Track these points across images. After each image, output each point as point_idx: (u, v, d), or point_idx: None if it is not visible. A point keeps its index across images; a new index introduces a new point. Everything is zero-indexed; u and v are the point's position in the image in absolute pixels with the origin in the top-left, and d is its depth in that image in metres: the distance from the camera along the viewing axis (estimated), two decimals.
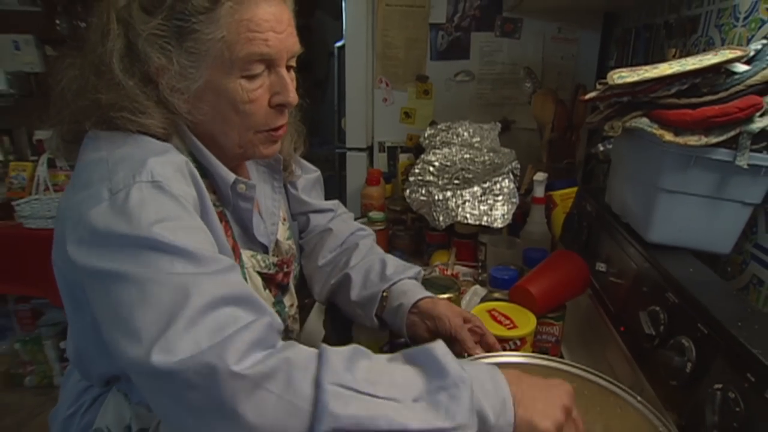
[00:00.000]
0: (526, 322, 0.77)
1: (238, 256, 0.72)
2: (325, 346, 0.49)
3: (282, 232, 0.85)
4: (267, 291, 0.78)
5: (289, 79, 0.66)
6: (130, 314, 0.47)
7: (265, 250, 0.79)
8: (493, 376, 0.52)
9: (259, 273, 0.76)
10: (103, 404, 0.68)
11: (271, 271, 0.78)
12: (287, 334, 0.85)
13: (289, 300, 0.85)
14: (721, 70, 0.66)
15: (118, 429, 0.66)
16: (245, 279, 0.73)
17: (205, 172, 0.68)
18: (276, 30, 0.61)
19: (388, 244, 1.27)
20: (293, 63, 0.68)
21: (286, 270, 0.82)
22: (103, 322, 0.51)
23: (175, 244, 0.49)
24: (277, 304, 0.81)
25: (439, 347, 0.52)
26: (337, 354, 0.48)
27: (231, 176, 0.69)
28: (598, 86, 0.79)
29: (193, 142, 0.66)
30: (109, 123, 0.59)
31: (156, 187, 0.54)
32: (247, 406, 0.43)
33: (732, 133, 0.65)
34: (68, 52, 0.64)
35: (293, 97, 0.66)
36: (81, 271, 0.52)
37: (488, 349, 0.72)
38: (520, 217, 1.17)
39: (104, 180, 0.54)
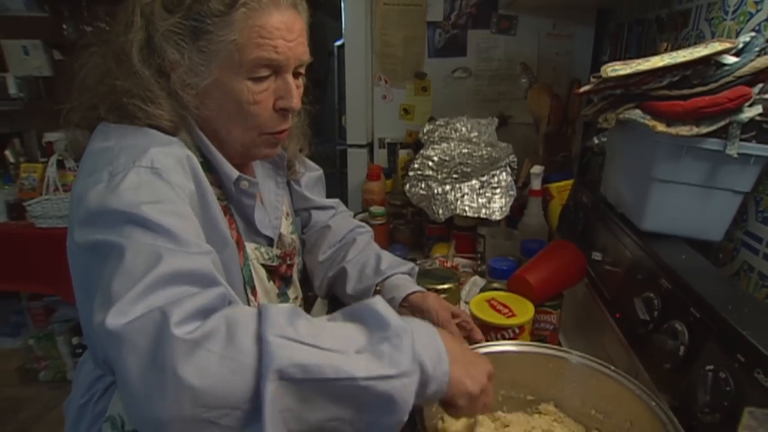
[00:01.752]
0: (524, 311, 0.79)
1: (242, 249, 0.74)
2: (265, 303, 0.49)
3: (285, 227, 0.87)
4: (271, 282, 0.80)
5: (295, 85, 0.68)
6: (107, 282, 0.47)
7: (269, 242, 0.81)
8: (428, 331, 0.53)
9: (263, 265, 0.78)
10: (115, 393, 0.70)
11: (274, 263, 0.80)
12: None
13: (294, 293, 0.87)
14: (711, 62, 0.68)
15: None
16: (250, 271, 0.75)
17: (211, 167, 0.70)
18: (286, 38, 0.63)
19: (389, 237, 1.29)
20: (302, 70, 0.70)
21: (289, 262, 0.84)
22: (89, 294, 0.51)
23: (160, 224, 0.50)
24: (282, 295, 0.83)
25: (379, 302, 0.52)
26: (277, 309, 0.47)
27: (234, 173, 0.71)
28: (593, 80, 0.81)
29: (200, 137, 0.68)
30: (122, 110, 0.62)
31: (154, 172, 0.56)
32: (187, 368, 0.41)
33: (722, 123, 0.67)
34: (93, 41, 0.67)
35: (296, 102, 0.69)
36: (79, 249, 0.54)
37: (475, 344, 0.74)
38: (517, 210, 1.19)
39: (107, 165, 0.56)
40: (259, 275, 0.78)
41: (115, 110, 0.62)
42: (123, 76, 0.62)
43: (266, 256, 0.79)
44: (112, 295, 0.45)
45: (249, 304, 0.74)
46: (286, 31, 0.63)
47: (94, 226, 0.52)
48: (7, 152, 2.29)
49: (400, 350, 0.47)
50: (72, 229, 0.56)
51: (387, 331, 0.48)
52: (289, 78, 0.67)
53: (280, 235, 0.85)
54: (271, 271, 0.80)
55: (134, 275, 0.46)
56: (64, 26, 2.63)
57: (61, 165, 2.12)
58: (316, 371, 0.44)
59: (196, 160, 0.64)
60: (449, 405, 0.55)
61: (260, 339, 0.44)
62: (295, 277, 0.89)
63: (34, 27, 2.66)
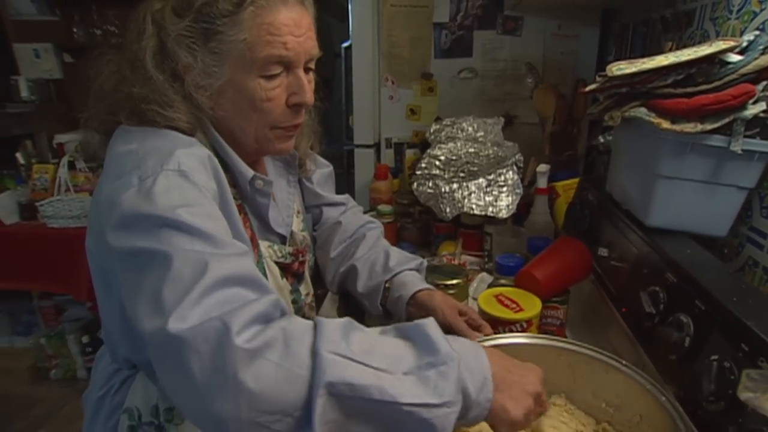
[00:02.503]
0: (531, 306, 0.81)
1: (256, 246, 0.75)
2: (320, 318, 0.51)
3: (296, 224, 0.89)
4: (284, 280, 0.82)
5: (306, 80, 0.70)
6: (155, 290, 0.49)
7: (281, 240, 0.83)
8: (476, 354, 0.54)
9: (276, 263, 0.80)
10: (132, 386, 0.71)
11: (287, 261, 0.82)
12: None
13: (305, 289, 0.89)
14: (715, 60, 0.70)
15: (146, 408, 0.69)
16: (264, 268, 0.77)
17: (226, 166, 0.71)
18: (295, 34, 0.65)
19: (397, 236, 1.30)
20: (312, 65, 0.71)
21: (301, 259, 0.86)
22: (129, 299, 0.53)
23: (196, 226, 0.52)
24: (294, 292, 0.85)
25: (430, 323, 0.53)
26: (333, 324, 0.50)
27: (250, 172, 0.72)
28: (598, 78, 0.82)
29: (215, 137, 0.70)
30: (140, 115, 0.63)
31: (182, 175, 0.57)
32: (247, 374, 0.44)
33: (726, 120, 0.68)
34: (107, 50, 0.69)
35: (309, 97, 0.70)
36: (114, 254, 0.55)
37: None
38: (523, 208, 1.20)
39: (135, 169, 0.57)
40: (273, 273, 0.79)
41: (135, 116, 0.64)
42: (139, 83, 0.63)
43: (279, 254, 0.81)
44: (165, 302, 0.47)
45: None
46: (294, 27, 0.65)
47: (131, 231, 0.53)
48: (18, 154, 2.34)
49: (446, 379, 0.49)
50: (103, 233, 0.57)
51: (435, 357, 0.50)
52: (301, 73, 0.68)
53: (292, 233, 0.87)
54: (284, 269, 0.82)
55: (184, 282, 0.48)
56: (75, 30, 2.67)
57: (72, 166, 2.15)
58: (363, 391, 0.46)
59: (215, 160, 0.66)
60: (492, 427, 0.56)
61: (315, 353, 0.46)
62: (307, 274, 0.90)
63: (45, 30, 2.71)
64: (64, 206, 2.02)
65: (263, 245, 0.78)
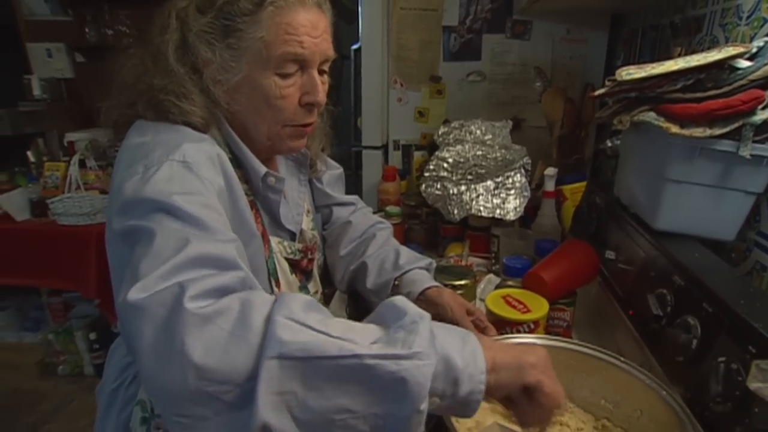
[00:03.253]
0: (539, 307, 0.81)
1: (267, 242, 0.77)
2: (284, 292, 0.49)
3: (306, 223, 0.91)
4: (293, 276, 0.84)
5: (320, 81, 0.71)
6: (136, 264, 0.48)
7: (291, 237, 0.84)
8: (464, 335, 0.50)
9: (286, 258, 0.82)
10: None
11: (296, 257, 0.84)
12: None
13: (314, 287, 0.90)
14: (724, 66, 0.70)
15: None
16: (274, 263, 0.78)
17: (239, 162, 0.73)
18: (311, 35, 0.67)
19: (404, 237, 1.31)
20: (326, 67, 0.73)
21: (310, 256, 0.87)
22: (116, 277, 0.53)
23: (187, 211, 0.52)
24: (303, 289, 0.86)
25: (398, 298, 0.50)
26: (295, 297, 0.47)
27: (263, 169, 0.74)
28: (607, 83, 0.83)
29: (229, 133, 0.72)
30: (157, 107, 0.66)
31: (185, 166, 0.59)
32: (196, 341, 0.41)
33: (735, 125, 0.68)
34: (131, 44, 0.72)
35: (322, 97, 0.72)
36: (116, 236, 0.57)
37: None
38: (531, 211, 1.21)
39: (143, 159, 0.59)
40: (283, 268, 0.81)
41: (152, 107, 0.66)
42: (159, 75, 0.66)
43: (289, 250, 0.82)
44: (139, 274, 0.47)
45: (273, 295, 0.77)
46: (311, 28, 0.67)
47: (129, 214, 0.55)
48: (29, 152, 2.37)
49: (415, 333, 0.45)
50: (110, 219, 0.59)
51: (403, 319, 0.47)
52: (315, 73, 0.70)
53: (302, 231, 0.88)
54: (293, 265, 0.84)
55: (161, 256, 0.48)
56: (87, 30, 2.72)
57: (82, 164, 2.18)
58: (317, 350, 0.42)
59: (225, 157, 0.68)
60: (513, 403, 0.52)
61: (269, 320, 0.43)
62: (316, 272, 0.92)
63: (58, 30, 2.75)
64: (75, 204, 2.05)
65: (274, 241, 0.79)
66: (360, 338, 0.44)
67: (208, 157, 0.63)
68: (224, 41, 0.66)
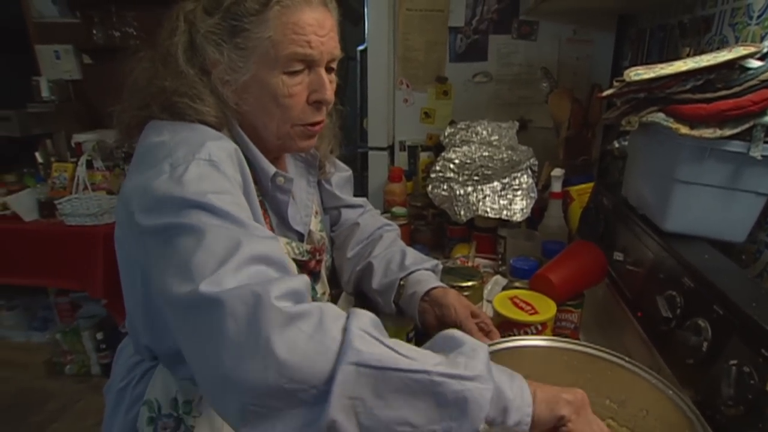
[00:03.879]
0: (546, 309, 0.81)
1: None
2: (354, 309, 0.52)
3: (314, 224, 0.91)
4: None
5: (328, 79, 0.71)
6: (186, 259, 0.50)
7: (299, 238, 0.84)
8: (510, 373, 0.54)
9: (293, 260, 0.82)
10: (152, 378, 0.73)
11: (304, 258, 0.84)
12: None
13: (321, 288, 0.91)
14: (735, 66, 0.70)
15: (166, 400, 0.71)
16: None
17: (249, 163, 0.73)
18: (318, 34, 0.67)
19: (410, 238, 1.31)
20: (334, 65, 0.73)
21: (318, 258, 0.87)
22: (157, 270, 0.54)
23: (226, 210, 0.54)
24: (310, 291, 0.86)
25: (455, 331, 0.55)
26: (366, 314, 0.51)
27: (272, 169, 0.74)
28: (615, 83, 0.82)
29: (239, 134, 0.72)
30: (172, 108, 0.66)
31: (212, 165, 0.59)
32: (280, 339, 0.44)
33: (746, 126, 0.68)
34: (140, 47, 0.72)
35: (330, 95, 0.72)
36: (145, 233, 0.57)
37: None
38: (537, 212, 1.20)
39: (167, 157, 0.60)
40: (291, 269, 0.81)
41: (167, 109, 0.67)
42: (170, 77, 0.67)
43: (297, 251, 0.82)
44: (196, 268, 0.48)
45: None
46: (318, 27, 0.67)
47: (162, 211, 0.55)
48: (37, 153, 2.39)
49: (475, 359, 0.49)
50: (131, 218, 0.58)
51: (463, 347, 0.51)
52: (322, 72, 0.70)
53: (310, 232, 0.88)
54: (301, 266, 0.84)
55: (217, 254, 0.49)
56: (94, 31, 2.74)
57: (89, 165, 2.20)
58: (391, 362, 0.45)
59: (241, 154, 0.68)
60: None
61: (346, 330, 0.47)
62: (323, 273, 0.92)
63: (66, 32, 2.78)
64: (82, 204, 2.07)
65: (282, 242, 0.79)
66: (424, 358, 0.48)
67: (228, 154, 0.64)
68: (231, 42, 0.66)
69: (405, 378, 0.46)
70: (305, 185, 0.90)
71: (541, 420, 0.52)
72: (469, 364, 0.48)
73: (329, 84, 0.72)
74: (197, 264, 0.49)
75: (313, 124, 0.74)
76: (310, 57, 0.68)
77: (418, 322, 0.85)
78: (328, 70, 0.72)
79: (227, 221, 0.54)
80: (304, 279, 0.53)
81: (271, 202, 0.78)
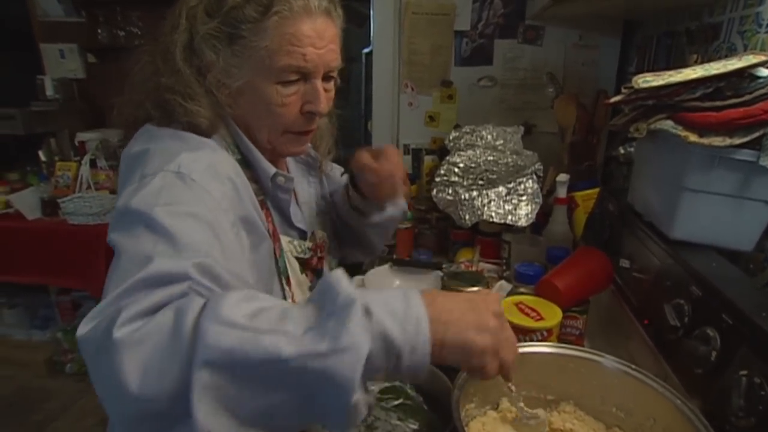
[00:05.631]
0: (552, 315, 0.81)
1: (277, 240, 0.77)
2: (217, 292, 0.48)
3: (316, 224, 0.91)
4: (304, 275, 0.84)
5: (323, 90, 0.71)
6: (106, 285, 0.50)
7: (302, 236, 0.85)
8: (400, 296, 0.47)
9: (296, 258, 0.82)
10: None
11: (306, 256, 0.84)
12: None
13: None
14: (745, 74, 0.70)
15: None
16: (285, 262, 0.78)
17: (248, 163, 0.73)
18: (316, 45, 0.66)
19: (414, 241, 1.31)
20: (333, 74, 0.73)
21: (319, 255, 0.88)
22: None
23: (165, 227, 0.51)
24: (313, 288, 0.86)
25: (334, 273, 0.48)
26: (229, 295, 0.45)
27: (272, 169, 0.74)
28: (624, 90, 0.82)
29: (238, 134, 0.72)
30: (164, 106, 0.66)
31: (178, 177, 0.58)
32: (129, 368, 0.41)
33: (756, 135, 0.68)
34: (146, 42, 0.72)
35: (323, 107, 0.71)
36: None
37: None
38: (542, 217, 1.20)
39: (141, 168, 0.60)
40: (293, 267, 0.81)
41: (159, 107, 0.67)
42: (167, 74, 0.66)
43: (299, 249, 0.83)
44: (102, 297, 0.48)
45: (284, 294, 0.77)
46: (316, 39, 0.66)
47: (116, 225, 0.56)
48: (41, 152, 2.39)
49: (344, 324, 0.43)
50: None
51: (335, 305, 0.45)
52: (318, 83, 0.70)
53: (313, 232, 0.88)
54: (304, 264, 0.84)
55: (120, 277, 0.48)
56: (99, 31, 2.74)
57: (93, 164, 2.20)
58: (242, 355, 0.41)
59: (230, 161, 0.67)
60: (467, 371, 0.52)
61: (196, 326, 0.42)
62: (327, 271, 0.92)
63: (71, 31, 2.78)
64: (85, 203, 2.07)
65: (284, 240, 0.80)
66: (293, 327, 0.43)
67: (208, 165, 0.62)
68: (229, 47, 0.66)
69: (259, 371, 0.42)
70: (306, 186, 0.91)
71: (448, 361, 0.48)
72: (337, 330, 0.43)
73: (324, 95, 0.71)
74: (105, 290, 0.48)
75: (305, 132, 0.74)
76: (305, 69, 0.67)
77: (359, 203, 0.90)
78: (327, 78, 0.72)
79: (161, 239, 0.51)
80: (180, 287, 0.47)
81: (273, 201, 0.78)
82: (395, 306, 0.46)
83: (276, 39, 0.64)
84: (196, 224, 0.55)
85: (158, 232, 0.51)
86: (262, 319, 0.43)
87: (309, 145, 0.89)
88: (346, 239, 1.00)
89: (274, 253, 0.75)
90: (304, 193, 0.90)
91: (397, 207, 0.95)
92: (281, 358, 0.41)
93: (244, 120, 0.71)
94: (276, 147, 0.74)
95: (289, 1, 0.64)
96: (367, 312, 0.44)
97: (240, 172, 0.69)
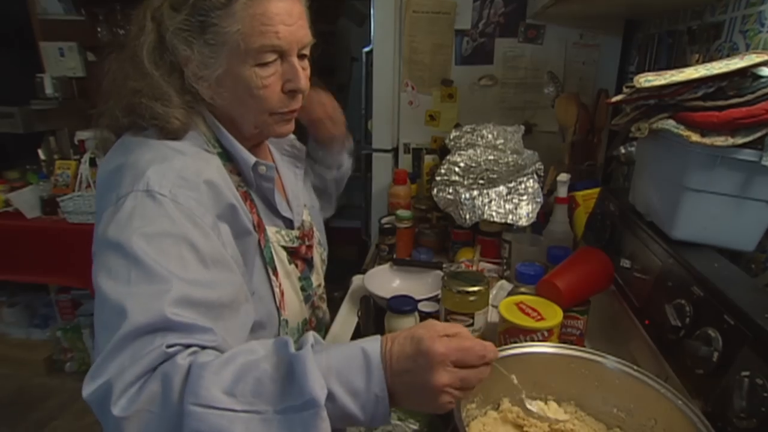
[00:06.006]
0: (553, 315, 0.80)
1: (262, 231, 0.77)
2: (197, 361, 0.50)
3: (305, 215, 0.91)
4: (292, 265, 0.83)
5: (300, 67, 0.71)
6: (97, 332, 0.54)
7: (288, 225, 0.85)
8: (366, 368, 0.52)
9: (284, 248, 0.82)
10: None
11: (294, 245, 0.84)
12: (314, 311, 0.91)
13: (317, 280, 0.91)
14: (747, 73, 0.69)
15: None
16: (271, 253, 0.78)
17: (229, 155, 0.74)
18: (286, 23, 0.67)
19: (415, 241, 1.31)
20: (306, 51, 0.73)
21: (308, 243, 0.88)
22: None
23: (140, 258, 0.54)
24: (304, 279, 0.86)
25: (309, 358, 0.50)
26: (207, 366, 0.49)
27: (252, 159, 0.75)
28: (625, 90, 0.82)
29: (217, 127, 0.72)
30: (133, 110, 0.66)
31: (149, 195, 0.59)
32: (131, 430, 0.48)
33: (758, 134, 0.67)
34: (114, 49, 0.71)
35: (304, 83, 0.72)
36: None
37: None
38: (542, 217, 1.20)
39: (116, 187, 0.61)
40: (280, 257, 0.81)
41: (129, 113, 0.67)
42: (136, 77, 0.66)
43: (287, 239, 0.83)
44: (96, 350, 0.53)
45: (271, 284, 0.78)
46: (286, 16, 0.67)
47: (96, 261, 0.58)
48: (40, 150, 2.38)
49: (308, 427, 0.48)
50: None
51: (302, 398, 0.49)
52: (294, 61, 0.70)
53: (302, 222, 0.88)
54: (292, 253, 0.84)
55: (106, 332, 0.52)
56: (99, 29, 2.73)
57: (92, 162, 2.19)
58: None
59: (204, 161, 0.68)
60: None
61: (181, 402, 0.48)
62: (318, 263, 0.92)
63: (71, 30, 2.76)
64: (85, 202, 2.06)
65: (270, 230, 0.80)
66: (266, 405, 0.49)
67: (177, 175, 0.62)
68: (201, 38, 0.66)
69: None
70: (293, 177, 0.91)
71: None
72: (296, 397, 0.48)
73: (303, 72, 0.72)
74: (96, 345, 0.53)
75: (290, 112, 0.75)
76: (280, 48, 0.68)
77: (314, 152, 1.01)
78: (301, 57, 0.72)
79: (134, 268, 0.54)
80: (160, 348, 0.51)
81: (257, 191, 0.78)
82: (357, 385, 0.51)
83: (246, 21, 0.65)
84: (171, 244, 0.57)
85: (135, 265, 0.54)
86: (238, 391, 0.49)
87: (293, 136, 0.90)
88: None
89: (259, 244, 0.76)
90: (291, 183, 0.90)
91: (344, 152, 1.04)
92: None
93: (227, 110, 0.72)
94: (263, 130, 0.75)
95: None
96: (330, 398, 0.50)
97: (220, 167, 0.70)
